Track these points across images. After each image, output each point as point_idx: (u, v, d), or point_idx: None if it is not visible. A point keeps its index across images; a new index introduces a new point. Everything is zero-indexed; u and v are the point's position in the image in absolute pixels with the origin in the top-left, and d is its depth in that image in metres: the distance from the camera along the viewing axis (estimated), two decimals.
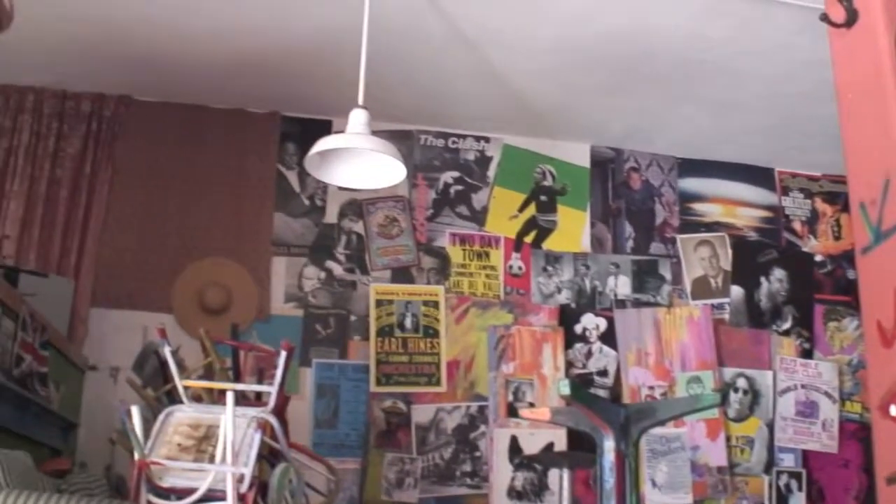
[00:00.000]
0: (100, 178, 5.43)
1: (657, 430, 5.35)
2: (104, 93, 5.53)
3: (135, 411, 3.27)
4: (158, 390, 3.92)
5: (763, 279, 6.07)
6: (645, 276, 5.92)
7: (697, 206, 6.17)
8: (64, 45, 5.01)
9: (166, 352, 3.64)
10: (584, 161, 6.06)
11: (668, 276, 5.96)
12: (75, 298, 5.08)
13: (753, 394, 5.76)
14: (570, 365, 5.62)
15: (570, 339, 5.68)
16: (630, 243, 5.97)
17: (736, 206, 6.22)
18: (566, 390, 3.17)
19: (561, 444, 5.43)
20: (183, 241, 5.44)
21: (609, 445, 3.29)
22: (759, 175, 6.30)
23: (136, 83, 5.47)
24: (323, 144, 3.85)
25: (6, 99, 5.38)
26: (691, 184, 6.20)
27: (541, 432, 5.42)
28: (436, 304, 5.61)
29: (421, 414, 5.43)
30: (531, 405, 5.42)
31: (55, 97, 5.48)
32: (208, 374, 3.94)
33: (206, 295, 5.36)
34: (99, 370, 5.12)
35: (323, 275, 5.60)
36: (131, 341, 4.99)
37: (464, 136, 5.98)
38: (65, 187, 5.37)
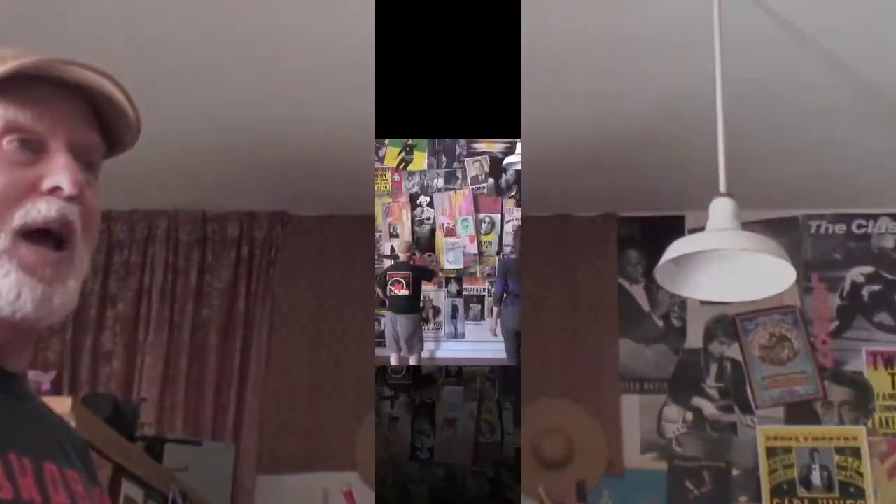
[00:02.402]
0: (256, 315, 5.03)
1: None
2: (254, 210, 5.14)
3: None
4: None
5: None
6: None
7: None
8: (202, 158, 4.66)
9: None
10: None
11: None
12: (237, 467, 4.73)
13: None
14: None
15: None
16: None
17: None
18: None
19: None
20: (364, 379, 4.85)
21: None
22: None
23: (292, 195, 5.06)
24: (678, 248, 3.32)
25: (131, 228, 5.03)
26: None
27: None
28: (856, 452, 4.75)
29: None
30: None
31: (193, 221, 5.11)
32: None
33: (544, 444, 4.79)
34: None
35: (690, 416, 4.90)
36: None
37: (874, 216, 5.09)
38: (213, 331, 4.97)
